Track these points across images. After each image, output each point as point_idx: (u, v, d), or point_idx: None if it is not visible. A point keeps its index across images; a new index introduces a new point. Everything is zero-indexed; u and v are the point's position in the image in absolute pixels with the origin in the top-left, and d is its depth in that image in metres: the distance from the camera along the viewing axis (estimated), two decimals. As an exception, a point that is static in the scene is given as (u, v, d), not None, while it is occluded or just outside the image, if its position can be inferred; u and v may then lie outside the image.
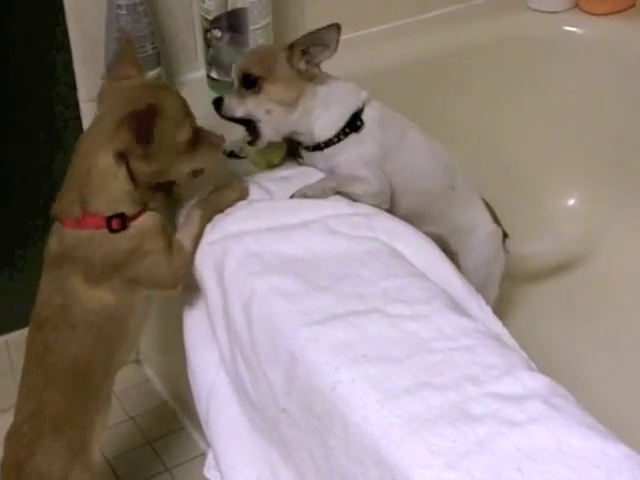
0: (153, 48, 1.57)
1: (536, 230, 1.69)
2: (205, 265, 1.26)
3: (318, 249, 1.22)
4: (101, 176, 1.19)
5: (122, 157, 1.19)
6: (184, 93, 1.63)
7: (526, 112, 1.98)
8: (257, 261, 1.20)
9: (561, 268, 1.88)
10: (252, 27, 1.61)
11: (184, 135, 1.24)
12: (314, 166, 1.41)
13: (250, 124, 1.36)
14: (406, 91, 1.82)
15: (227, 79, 1.63)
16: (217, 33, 1.62)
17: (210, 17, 1.61)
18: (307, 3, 1.82)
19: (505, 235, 1.63)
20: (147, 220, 1.24)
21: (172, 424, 1.81)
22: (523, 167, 1.96)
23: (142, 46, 1.55)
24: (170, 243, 1.25)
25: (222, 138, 1.31)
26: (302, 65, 1.35)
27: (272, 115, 1.35)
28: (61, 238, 1.22)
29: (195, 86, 1.70)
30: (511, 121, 1.96)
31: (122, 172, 1.20)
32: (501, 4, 2.02)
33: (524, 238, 1.68)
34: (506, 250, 1.63)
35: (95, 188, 1.20)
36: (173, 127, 1.23)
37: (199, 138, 1.27)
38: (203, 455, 1.70)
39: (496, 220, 1.60)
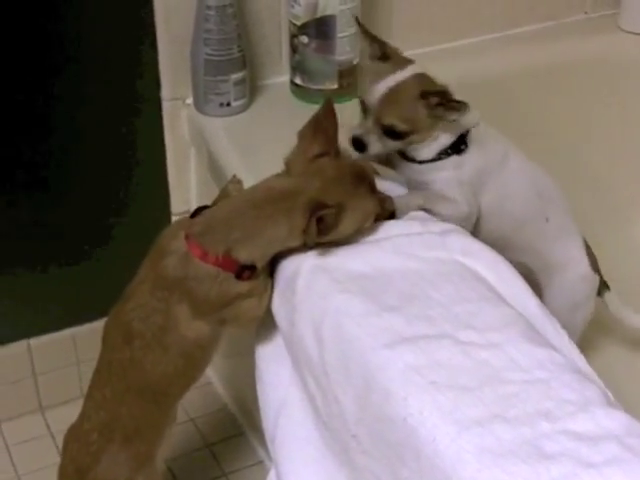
0: (239, 51, 1.57)
1: (623, 259, 1.60)
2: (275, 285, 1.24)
3: (387, 267, 1.18)
4: (271, 240, 1.19)
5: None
6: (267, 98, 1.68)
7: (612, 135, 1.92)
8: (326, 278, 1.17)
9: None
10: (339, 35, 1.60)
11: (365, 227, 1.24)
12: (405, 175, 1.35)
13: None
14: (489, 107, 1.77)
15: (311, 86, 1.63)
16: (304, 39, 1.61)
17: (298, 23, 1.60)
18: (395, 13, 1.80)
19: (606, 286, 1.51)
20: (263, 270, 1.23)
21: (231, 429, 1.81)
22: (612, 192, 1.89)
23: (229, 48, 1.56)
24: (267, 285, 1.24)
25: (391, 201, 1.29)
26: (439, 113, 1.27)
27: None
28: (185, 264, 1.19)
29: (278, 91, 1.70)
30: (596, 144, 1.90)
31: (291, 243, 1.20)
32: (593, 24, 1.99)
33: (612, 267, 1.54)
34: (604, 302, 1.52)
35: (257, 245, 1.19)
36: (355, 224, 1.21)
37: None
38: (261, 463, 1.71)
39: (595, 267, 1.48)
